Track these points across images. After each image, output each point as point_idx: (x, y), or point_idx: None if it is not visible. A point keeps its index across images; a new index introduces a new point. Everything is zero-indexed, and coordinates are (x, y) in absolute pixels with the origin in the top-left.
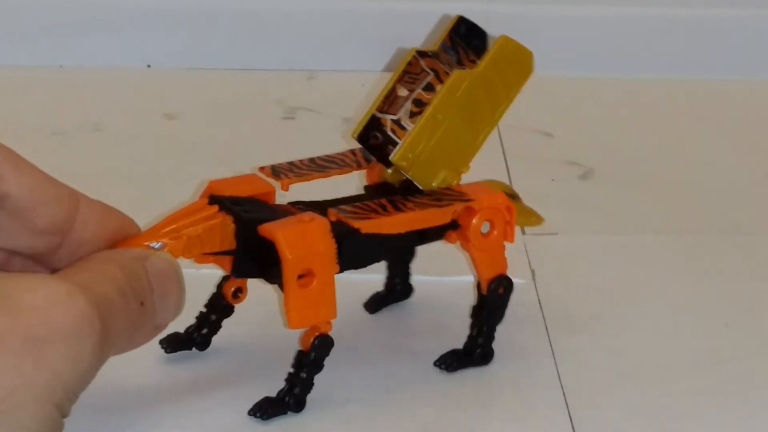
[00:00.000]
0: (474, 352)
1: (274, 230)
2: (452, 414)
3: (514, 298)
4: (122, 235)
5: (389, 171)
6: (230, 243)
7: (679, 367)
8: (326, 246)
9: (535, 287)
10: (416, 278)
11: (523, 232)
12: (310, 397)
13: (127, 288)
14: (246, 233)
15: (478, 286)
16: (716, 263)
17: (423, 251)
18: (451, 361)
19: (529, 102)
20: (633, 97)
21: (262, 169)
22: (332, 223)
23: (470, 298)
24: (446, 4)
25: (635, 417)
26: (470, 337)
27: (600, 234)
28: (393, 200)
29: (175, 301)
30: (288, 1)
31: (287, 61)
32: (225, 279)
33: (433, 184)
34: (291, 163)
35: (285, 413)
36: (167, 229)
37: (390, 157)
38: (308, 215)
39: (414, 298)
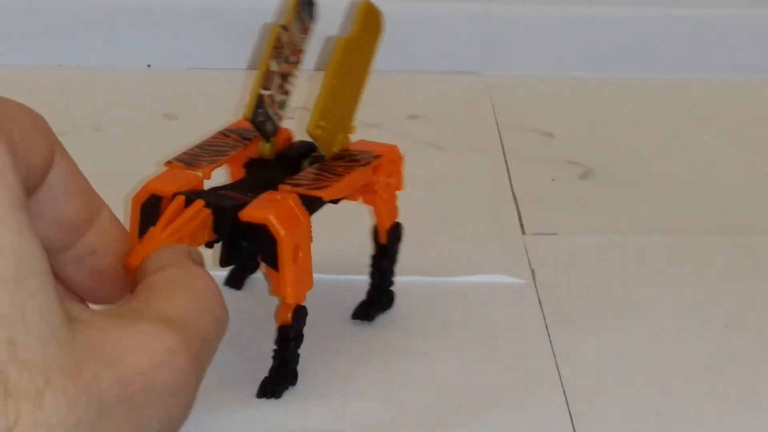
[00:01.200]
0: (381, 299)
1: (261, 213)
2: (452, 414)
3: (514, 299)
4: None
5: (267, 146)
6: (209, 235)
7: (679, 367)
8: (305, 219)
9: (535, 287)
10: (416, 278)
11: (524, 232)
12: (309, 397)
13: (220, 313)
14: (228, 221)
15: (376, 235)
16: (716, 263)
17: (422, 252)
18: (368, 313)
19: (529, 102)
20: (633, 97)
21: (169, 163)
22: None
23: (469, 299)
24: (446, 4)
25: (635, 417)
26: (374, 285)
27: (600, 234)
28: (322, 168)
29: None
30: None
31: None
32: None
33: (334, 149)
34: (187, 153)
35: (287, 388)
36: (167, 232)
37: (307, 129)
38: (277, 194)
39: (414, 298)
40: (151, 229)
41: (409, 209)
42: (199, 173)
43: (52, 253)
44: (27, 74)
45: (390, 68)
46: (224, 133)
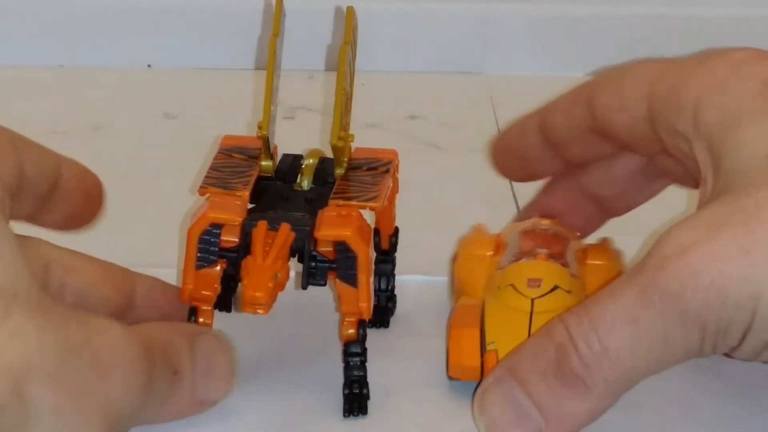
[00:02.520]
0: (387, 304)
1: (340, 230)
2: (452, 414)
3: None
4: (96, 191)
5: (269, 163)
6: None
7: (679, 367)
8: (371, 232)
9: None
10: (416, 278)
11: None
12: (309, 399)
13: (161, 354)
14: (309, 242)
15: (378, 242)
16: None
17: (422, 252)
18: (384, 320)
19: (529, 102)
20: None
21: (204, 189)
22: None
23: None
24: (446, 4)
25: (635, 416)
26: (380, 291)
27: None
28: (351, 179)
29: (223, 380)
30: (288, 2)
31: (287, 61)
32: (192, 313)
33: (345, 158)
34: (212, 177)
35: (368, 400)
36: (270, 260)
37: (330, 142)
38: (342, 209)
39: (412, 298)
40: (250, 260)
41: (409, 209)
42: (240, 195)
43: (28, 216)
44: (27, 74)
45: (390, 68)
46: (225, 153)
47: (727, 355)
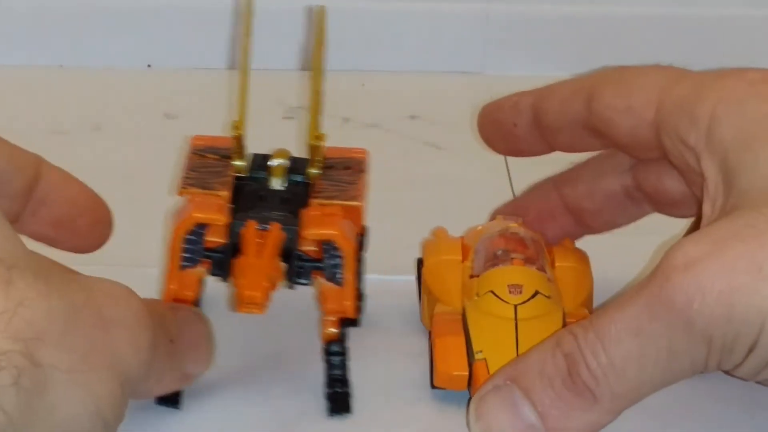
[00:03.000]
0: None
1: (327, 229)
2: (452, 414)
3: None
4: (84, 199)
5: (243, 163)
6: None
7: None
8: (354, 231)
9: None
10: (414, 278)
11: None
12: (309, 399)
13: (159, 321)
14: (297, 241)
15: None
16: None
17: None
18: (353, 320)
19: None
20: None
21: (185, 190)
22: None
23: None
24: (446, 4)
25: (635, 417)
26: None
27: (599, 234)
28: (330, 178)
29: (205, 353)
30: (288, 1)
31: (287, 61)
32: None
33: (320, 159)
34: (190, 178)
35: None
36: (266, 259)
37: (309, 141)
38: (325, 209)
39: (413, 298)
40: (243, 260)
41: (408, 209)
42: (221, 195)
43: (11, 219)
44: (27, 74)
45: (390, 68)
46: (198, 154)
47: (727, 372)
